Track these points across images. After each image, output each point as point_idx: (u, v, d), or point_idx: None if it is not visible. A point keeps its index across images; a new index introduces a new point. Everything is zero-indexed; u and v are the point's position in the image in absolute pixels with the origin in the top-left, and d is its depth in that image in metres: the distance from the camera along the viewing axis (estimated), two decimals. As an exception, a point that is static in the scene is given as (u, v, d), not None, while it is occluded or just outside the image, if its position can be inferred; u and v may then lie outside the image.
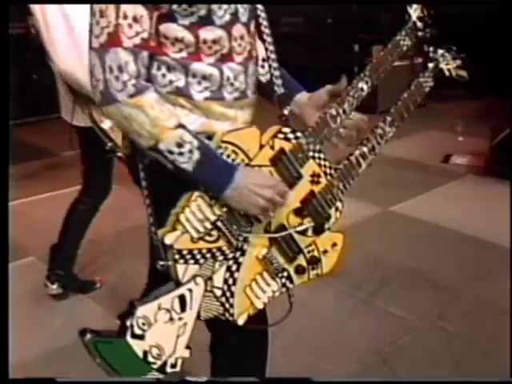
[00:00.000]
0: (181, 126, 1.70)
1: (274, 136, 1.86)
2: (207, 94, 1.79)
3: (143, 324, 1.74)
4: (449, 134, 7.14)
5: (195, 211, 1.78)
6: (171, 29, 1.70)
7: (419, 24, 2.10)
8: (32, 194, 5.77)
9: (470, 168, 5.92)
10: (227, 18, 1.74)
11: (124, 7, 1.60)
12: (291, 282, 1.97)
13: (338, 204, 2.01)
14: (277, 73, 1.94)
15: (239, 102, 1.87)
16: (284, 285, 1.96)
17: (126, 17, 1.60)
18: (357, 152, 2.02)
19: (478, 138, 6.29)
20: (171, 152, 1.69)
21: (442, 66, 2.18)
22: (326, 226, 1.98)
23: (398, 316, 3.50)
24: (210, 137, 1.78)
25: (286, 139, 1.88)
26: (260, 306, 1.92)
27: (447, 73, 2.20)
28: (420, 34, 2.10)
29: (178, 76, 1.75)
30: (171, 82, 1.75)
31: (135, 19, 1.61)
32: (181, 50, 1.72)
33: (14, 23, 6.70)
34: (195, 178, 1.74)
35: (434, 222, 4.75)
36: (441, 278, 3.91)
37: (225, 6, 1.72)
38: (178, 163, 1.71)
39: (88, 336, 1.69)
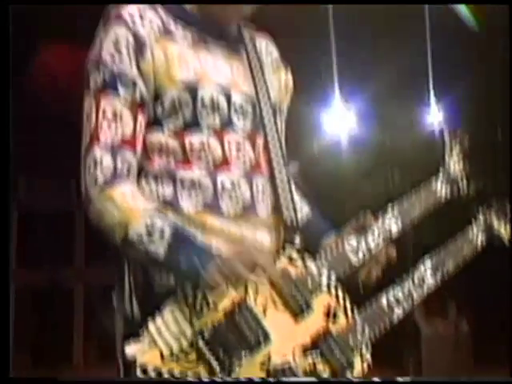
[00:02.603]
0: (153, 210, 1.54)
1: (276, 257, 1.62)
2: (199, 204, 1.63)
3: None
4: None
5: (169, 321, 1.48)
6: (156, 137, 1.63)
7: (460, 181, 1.90)
8: None
9: None
10: (217, 123, 1.65)
11: (104, 105, 1.58)
12: None
13: (364, 351, 1.60)
14: (285, 199, 1.74)
15: (245, 219, 1.66)
16: None
17: (105, 115, 1.58)
18: (389, 294, 1.68)
19: None
20: (141, 238, 1.50)
21: (498, 228, 1.89)
22: (348, 374, 1.55)
23: None
24: None
25: (291, 262, 1.62)
26: None
27: (506, 239, 1.90)
28: (462, 189, 1.89)
29: (165, 187, 1.63)
30: (158, 193, 1.63)
31: (115, 116, 1.58)
32: (168, 160, 1.63)
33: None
34: (169, 267, 1.53)
35: None
36: None
37: (214, 111, 1.64)
38: (150, 252, 1.50)
39: None
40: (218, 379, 1.46)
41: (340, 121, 5.67)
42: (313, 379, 1.56)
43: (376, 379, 1.62)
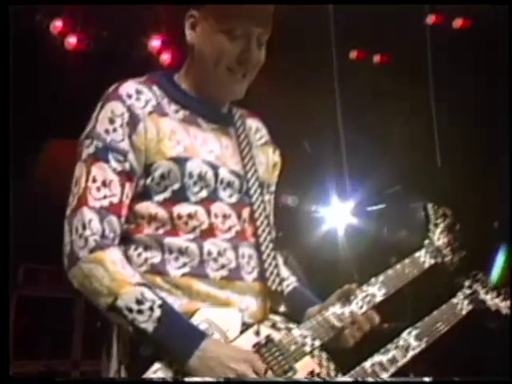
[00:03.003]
0: (144, 284, 1.58)
1: (260, 321, 1.64)
2: (186, 269, 1.66)
3: None
4: None
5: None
6: (146, 206, 1.69)
7: (445, 251, 1.94)
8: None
9: None
10: (204, 194, 1.71)
11: (94, 172, 1.65)
12: None
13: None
14: (270, 266, 1.78)
15: (231, 284, 1.69)
16: None
17: (95, 180, 1.64)
18: (374, 359, 1.69)
19: None
20: (130, 310, 1.54)
21: (485, 297, 1.91)
22: None
23: None
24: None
25: (275, 328, 1.65)
26: None
27: (493, 307, 1.92)
28: (446, 259, 1.92)
29: (153, 253, 1.67)
30: (146, 259, 1.67)
31: (104, 183, 1.64)
32: (157, 229, 1.68)
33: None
34: (156, 341, 1.54)
35: None
36: None
37: (201, 183, 1.71)
38: (138, 323, 1.54)
39: None
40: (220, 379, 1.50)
41: (338, 214, 5.82)
42: (313, 379, 1.59)
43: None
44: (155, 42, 5.48)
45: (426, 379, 2.65)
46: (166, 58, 5.46)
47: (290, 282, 1.95)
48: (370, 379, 1.66)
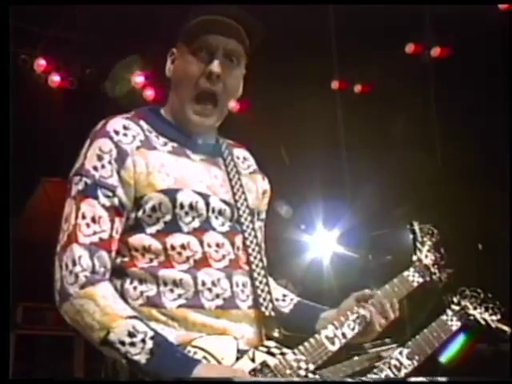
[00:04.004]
0: (135, 317, 1.61)
1: (255, 348, 1.67)
2: (181, 301, 1.69)
3: None
4: None
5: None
6: (139, 239, 1.72)
7: (433, 269, 1.98)
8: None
9: None
10: (196, 224, 1.74)
11: (84, 208, 1.68)
12: None
13: None
14: (263, 292, 1.81)
15: (227, 313, 1.72)
16: None
17: (84, 217, 1.68)
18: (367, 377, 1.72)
19: None
20: (123, 343, 1.57)
21: (473, 312, 1.95)
22: None
23: None
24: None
25: (270, 353, 1.67)
26: None
27: (482, 322, 1.96)
28: (434, 276, 1.97)
29: (148, 286, 1.70)
30: (142, 292, 1.69)
31: (93, 219, 1.68)
32: (151, 260, 1.71)
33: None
34: (150, 373, 1.56)
35: None
36: None
37: (193, 213, 1.75)
38: (131, 355, 1.56)
39: None
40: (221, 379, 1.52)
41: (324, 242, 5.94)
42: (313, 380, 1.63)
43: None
44: (139, 78, 5.55)
45: (425, 379, 2.67)
46: (149, 93, 5.52)
47: (293, 296, 2.02)
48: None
